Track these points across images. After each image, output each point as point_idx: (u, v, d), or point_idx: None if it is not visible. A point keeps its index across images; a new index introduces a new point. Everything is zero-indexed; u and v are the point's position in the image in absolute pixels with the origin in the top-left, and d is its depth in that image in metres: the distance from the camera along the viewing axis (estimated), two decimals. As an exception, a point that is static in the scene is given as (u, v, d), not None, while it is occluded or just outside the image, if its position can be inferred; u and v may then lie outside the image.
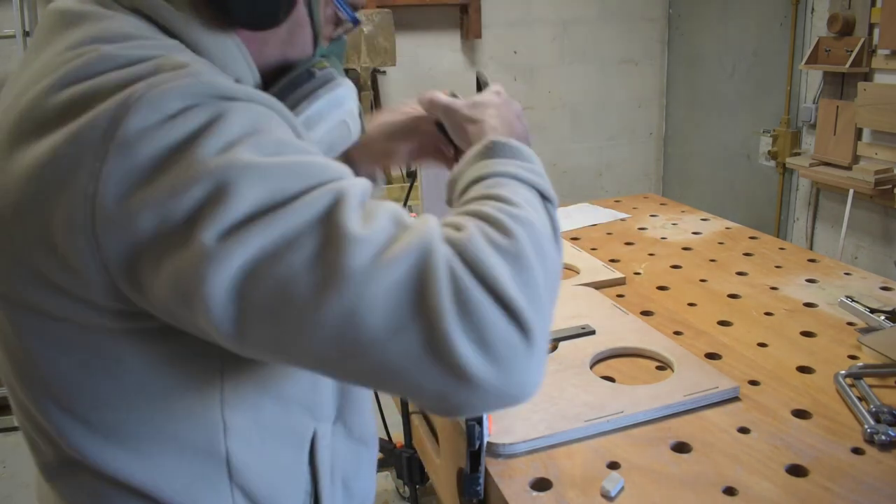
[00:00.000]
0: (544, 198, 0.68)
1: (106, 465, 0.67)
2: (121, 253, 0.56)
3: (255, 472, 0.73)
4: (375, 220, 0.56)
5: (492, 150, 0.71)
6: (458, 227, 0.59)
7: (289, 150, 0.58)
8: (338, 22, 0.78)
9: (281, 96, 0.70)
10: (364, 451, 0.87)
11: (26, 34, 3.06)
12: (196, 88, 0.57)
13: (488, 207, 0.61)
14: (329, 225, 0.54)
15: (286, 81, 0.72)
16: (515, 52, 3.99)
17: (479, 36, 3.82)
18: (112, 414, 0.66)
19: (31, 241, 0.59)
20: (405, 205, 1.49)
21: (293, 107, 0.71)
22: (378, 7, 3.40)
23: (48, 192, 0.57)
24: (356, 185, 0.58)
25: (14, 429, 3.19)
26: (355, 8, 0.78)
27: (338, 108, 0.75)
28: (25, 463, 3.16)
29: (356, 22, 0.78)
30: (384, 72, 3.69)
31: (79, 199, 0.55)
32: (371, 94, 3.44)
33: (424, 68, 3.86)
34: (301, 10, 0.71)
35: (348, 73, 3.36)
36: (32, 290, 0.61)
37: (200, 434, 0.69)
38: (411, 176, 1.17)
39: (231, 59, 0.68)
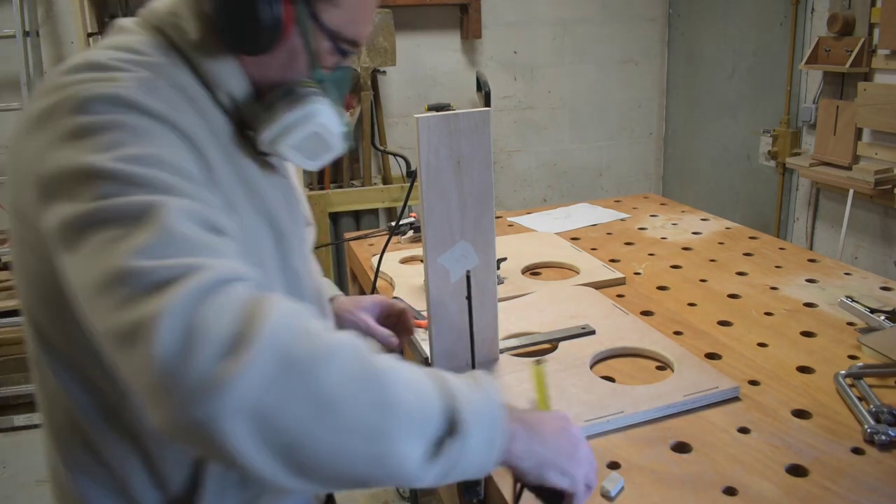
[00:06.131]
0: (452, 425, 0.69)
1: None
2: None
3: None
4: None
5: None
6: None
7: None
8: (343, 53, 0.88)
9: (269, 106, 0.83)
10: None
11: (26, 34, 3.05)
12: None
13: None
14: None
15: (271, 95, 0.84)
16: (515, 52, 3.99)
17: (479, 36, 3.82)
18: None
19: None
20: (405, 204, 1.49)
21: (274, 114, 0.83)
22: (378, 7, 3.39)
23: None
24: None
25: (14, 429, 3.17)
26: (354, 45, 0.88)
27: (309, 120, 0.83)
28: (26, 463, 3.15)
29: (345, 54, 0.88)
30: (384, 72, 3.69)
31: None
32: (371, 94, 3.44)
33: (424, 68, 3.86)
34: (296, 41, 0.83)
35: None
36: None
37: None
38: (411, 176, 1.17)
39: (229, 75, 0.83)
